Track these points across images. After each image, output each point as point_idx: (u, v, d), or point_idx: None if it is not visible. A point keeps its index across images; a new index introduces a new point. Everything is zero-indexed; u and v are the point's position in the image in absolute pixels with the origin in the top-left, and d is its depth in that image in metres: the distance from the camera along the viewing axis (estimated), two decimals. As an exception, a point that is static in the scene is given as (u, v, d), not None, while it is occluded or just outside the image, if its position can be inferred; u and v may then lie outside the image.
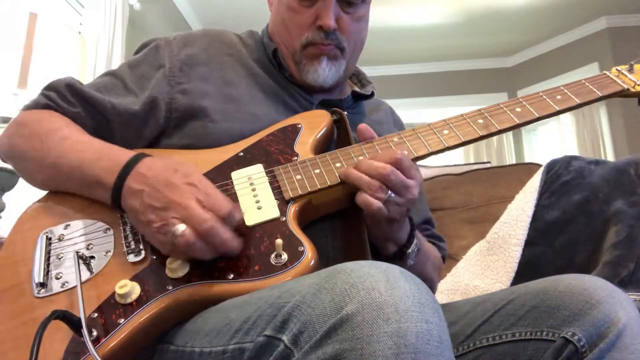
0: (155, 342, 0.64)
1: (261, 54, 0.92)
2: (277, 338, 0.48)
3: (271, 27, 0.94)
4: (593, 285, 0.61)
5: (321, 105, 0.89)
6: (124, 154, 0.71)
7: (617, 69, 0.86)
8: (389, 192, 0.69)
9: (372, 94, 0.96)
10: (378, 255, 0.79)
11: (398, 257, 0.78)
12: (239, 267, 0.64)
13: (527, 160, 4.96)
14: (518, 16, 4.37)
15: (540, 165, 1.42)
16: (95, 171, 0.70)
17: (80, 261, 0.66)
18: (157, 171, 0.66)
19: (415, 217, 0.91)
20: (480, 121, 0.79)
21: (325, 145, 0.83)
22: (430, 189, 1.75)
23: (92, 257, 0.68)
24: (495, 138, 5.15)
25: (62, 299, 0.65)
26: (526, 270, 1.21)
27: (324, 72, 0.86)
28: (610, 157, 4.25)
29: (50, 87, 0.83)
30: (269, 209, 0.70)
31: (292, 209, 0.71)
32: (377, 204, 0.68)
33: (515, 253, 1.23)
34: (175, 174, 0.65)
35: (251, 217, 0.69)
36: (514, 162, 5.08)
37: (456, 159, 4.98)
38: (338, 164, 0.75)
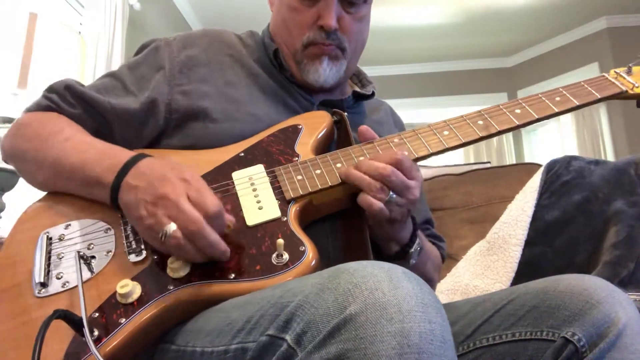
0: (156, 342, 0.64)
1: (262, 54, 0.92)
2: (280, 338, 0.48)
3: (272, 27, 0.94)
4: (593, 285, 0.61)
5: (322, 105, 0.89)
6: (125, 154, 0.72)
7: (615, 71, 0.87)
8: (390, 192, 0.69)
9: (373, 94, 0.97)
10: (380, 254, 0.79)
11: (400, 257, 0.78)
12: (240, 267, 0.64)
13: (527, 160, 4.96)
14: (518, 16, 4.37)
15: (540, 165, 1.43)
16: (96, 171, 0.71)
17: (82, 261, 0.66)
18: (156, 169, 0.67)
19: (416, 217, 0.91)
20: (480, 122, 0.80)
21: (325, 145, 0.83)
22: (430, 189, 1.75)
23: (93, 257, 0.68)
24: (495, 138, 5.15)
25: (63, 298, 0.65)
26: (526, 270, 1.21)
27: (325, 72, 0.86)
28: (610, 157, 4.25)
29: (51, 90, 0.84)
30: (270, 209, 0.70)
31: (293, 209, 0.71)
32: (378, 204, 0.68)
33: (515, 253, 1.23)
34: (171, 170, 0.66)
35: (252, 217, 0.69)
36: (514, 162, 5.08)
37: (456, 159, 4.98)
38: (339, 165, 0.75)
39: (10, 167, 0.87)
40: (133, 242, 0.69)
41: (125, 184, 0.67)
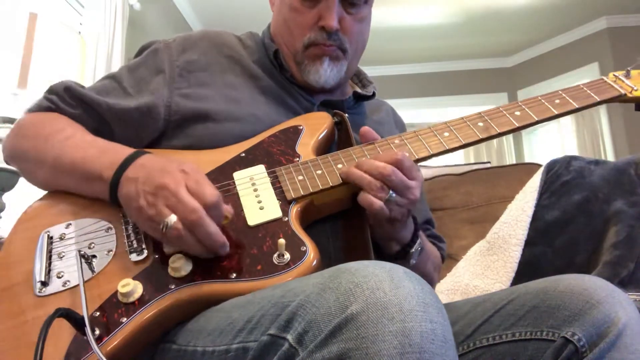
0: (157, 342, 0.64)
1: (262, 54, 0.92)
2: (281, 337, 0.48)
3: (273, 27, 0.94)
4: (593, 285, 0.61)
5: (322, 106, 0.89)
6: (125, 151, 0.73)
7: (614, 75, 0.88)
8: (390, 192, 0.69)
9: (374, 94, 0.97)
10: (381, 253, 0.80)
11: (401, 257, 0.79)
12: (241, 267, 0.64)
13: (527, 160, 4.96)
14: (518, 16, 4.38)
15: (540, 165, 1.43)
16: (96, 166, 0.72)
17: (82, 260, 0.66)
18: (155, 161, 0.68)
19: (416, 217, 0.91)
20: (481, 124, 0.80)
21: (326, 146, 0.83)
22: (431, 189, 1.75)
23: (94, 256, 0.68)
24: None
25: (63, 297, 0.65)
26: (526, 270, 1.21)
27: (326, 73, 0.86)
28: (610, 157, 4.25)
29: (51, 91, 0.85)
30: (271, 209, 0.70)
31: (294, 209, 0.71)
32: (379, 203, 0.69)
33: (515, 253, 1.24)
34: (171, 163, 0.67)
35: (253, 217, 0.70)
36: (514, 162, 5.08)
37: (456, 159, 4.98)
38: (340, 165, 0.75)
39: (10, 167, 0.88)
40: (134, 242, 0.69)
41: (125, 178, 0.68)
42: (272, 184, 0.74)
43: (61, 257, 0.69)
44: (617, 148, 4.29)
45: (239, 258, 0.65)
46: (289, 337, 0.47)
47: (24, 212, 0.77)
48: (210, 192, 0.63)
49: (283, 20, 0.89)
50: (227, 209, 0.67)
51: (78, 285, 0.63)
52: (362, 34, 0.90)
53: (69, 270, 0.67)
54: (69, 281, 0.66)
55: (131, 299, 0.62)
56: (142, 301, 0.62)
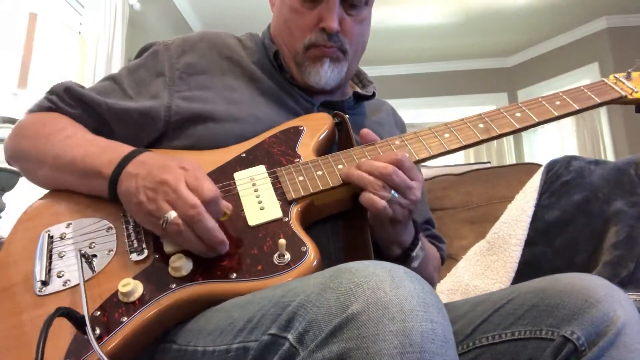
0: (157, 341, 0.64)
1: (262, 55, 0.92)
2: (282, 337, 0.48)
3: (273, 28, 0.94)
4: (592, 284, 0.61)
5: (322, 106, 0.89)
6: (125, 148, 0.73)
7: (614, 76, 0.88)
8: (392, 191, 0.69)
9: (374, 94, 0.97)
10: (382, 257, 0.80)
11: (402, 260, 0.79)
12: (241, 267, 0.64)
13: (527, 160, 4.96)
14: (518, 16, 4.38)
15: (540, 165, 1.43)
16: (96, 163, 0.72)
17: (83, 259, 0.66)
18: (156, 158, 0.69)
19: (417, 217, 0.91)
20: (481, 125, 0.80)
21: (327, 147, 0.83)
22: (430, 189, 1.75)
23: (95, 256, 0.68)
24: (495, 138, 5.16)
25: (64, 297, 0.65)
26: (526, 270, 1.21)
27: (326, 74, 0.86)
28: (611, 157, 4.25)
29: (52, 91, 0.86)
30: (272, 210, 0.70)
31: (295, 210, 0.71)
32: (382, 202, 0.69)
33: (515, 253, 1.24)
34: (171, 160, 0.68)
35: (254, 218, 0.70)
36: (514, 162, 5.08)
37: (456, 159, 4.98)
38: (340, 166, 0.75)
39: (10, 167, 0.88)
40: (135, 241, 0.69)
41: (125, 173, 0.69)
42: (273, 184, 0.74)
43: (61, 257, 0.69)
44: (617, 148, 4.29)
45: (239, 258, 0.65)
46: (290, 336, 0.48)
47: (25, 212, 0.77)
48: (209, 187, 0.64)
49: (283, 21, 0.89)
50: (226, 205, 0.67)
51: (78, 284, 0.63)
52: (363, 35, 0.90)
53: (69, 269, 0.67)
54: (69, 280, 0.66)
55: (131, 299, 0.62)
56: (142, 301, 0.62)
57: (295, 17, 0.86)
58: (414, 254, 0.78)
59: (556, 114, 0.81)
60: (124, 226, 0.71)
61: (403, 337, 0.43)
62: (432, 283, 0.93)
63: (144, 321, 0.61)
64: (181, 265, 0.63)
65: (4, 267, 0.70)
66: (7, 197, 1.61)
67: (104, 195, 0.72)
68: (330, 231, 0.77)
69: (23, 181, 0.86)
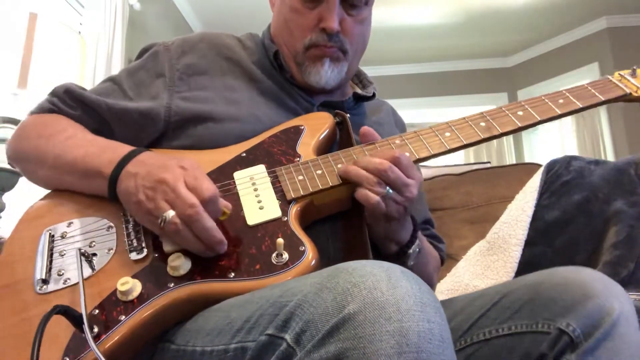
0: (156, 341, 0.64)
1: (262, 55, 0.92)
2: (279, 337, 0.48)
3: (273, 28, 0.94)
4: (588, 277, 0.61)
5: (322, 107, 0.89)
6: (125, 148, 0.74)
7: (619, 74, 0.87)
8: (387, 188, 0.69)
9: (374, 95, 0.97)
10: (379, 254, 0.80)
11: (399, 257, 0.79)
12: (240, 266, 0.64)
13: (527, 160, 4.96)
14: (518, 16, 4.38)
15: (540, 165, 1.43)
16: (96, 163, 0.73)
17: (83, 258, 0.67)
18: (155, 158, 0.70)
19: (415, 217, 0.91)
20: (483, 124, 0.80)
21: (327, 146, 0.83)
22: (430, 189, 1.75)
23: (94, 255, 0.69)
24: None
25: (64, 295, 0.65)
26: (526, 270, 1.21)
27: (326, 74, 0.86)
28: (611, 157, 4.25)
29: (53, 93, 0.87)
30: (271, 209, 0.70)
31: (294, 209, 0.71)
32: (375, 198, 0.69)
33: (515, 253, 1.24)
34: (171, 159, 0.68)
35: (253, 217, 0.70)
36: (514, 162, 5.08)
37: (456, 159, 4.98)
38: (340, 165, 0.75)
39: (10, 167, 0.89)
40: (134, 240, 0.69)
41: (124, 173, 0.69)
42: (272, 183, 0.74)
43: (62, 255, 0.69)
44: (617, 148, 4.29)
45: (237, 257, 0.65)
46: (287, 337, 0.48)
47: (26, 211, 0.78)
48: (208, 187, 0.64)
49: (283, 21, 0.89)
50: (225, 205, 0.67)
51: (78, 283, 0.63)
52: (363, 35, 0.90)
53: (69, 268, 0.68)
54: (69, 279, 0.67)
55: (130, 297, 0.62)
56: (141, 299, 0.62)
57: (295, 17, 0.86)
58: (410, 251, 0.78)
59: (559, 112, 0.80)
60: (124, 225, 0.71)
61: (400, 337, 0.43)
62: (432, 283, 0.93)
63: (142, 320, 0.61)
64: (180, 264, 0.63)
65: (6, 266, 0.70)
66: (7, 197, 1.62)
67: (104, 195, 0.73)
68: (329, 231, 0.77)
69: (23, 181, 0.86)
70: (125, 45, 2.83)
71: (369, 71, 1.05)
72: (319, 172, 0.75)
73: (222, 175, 0.76)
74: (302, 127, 0.82)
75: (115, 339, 0.59)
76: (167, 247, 0.66)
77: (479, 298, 0.70)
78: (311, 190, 0.73)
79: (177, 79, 0.85)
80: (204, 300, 0.63)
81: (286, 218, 0.70)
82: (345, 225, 0.78)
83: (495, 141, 5.23)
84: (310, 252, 0.64)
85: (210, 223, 0.63)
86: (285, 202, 0.71)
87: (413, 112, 5.01)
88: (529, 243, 1.24)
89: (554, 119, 0.81)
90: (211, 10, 4.23)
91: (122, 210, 0.72)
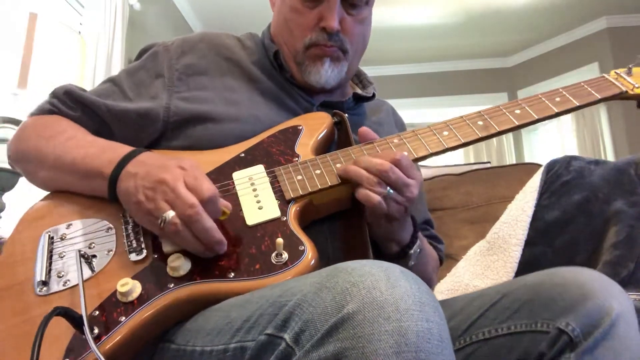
0: (156, 341, 0.64)
1: (261, 55, 0.92)
2: (278, 337, 0.48)
3: (273, 27, 0.94)
4: (587, 277, 0.61)
5: (322, 107, 0.89)
6: (125, 149, 0.74)
7: (615, 72, 0.88)
8: (388, 188, 0.69)
9: (374, 95, 0.97)
10: (380, 254, 0.80)
11: (400, 257, 0.79)
12: (239, 266, 0.64)
13: (527, 160, 4.96)
14: (518, 16, 4.37)
15: (540, 165, 1.42)
16: (96, 163, 0.73)
17: (82, 259, 0.67)
18: (155, 158, 0.70)
19: (415, 217, 0.91)
20: (480, 123, 0.80)
21: (325, 146, 0.83)
22: (430, 189, 1.75)
23: (94, 256, 0.69)
24: (495, 138, 5.15)
25: (64, 297, 0.65)
26: (526, 270, 1.21)
27: (327, 74, 0.86)
28: (611, 157, 4.25)
29: (53, 95, 0.87)
30: (270, 209, 0.70)
31: (293, 209, 0.71)
32: (376, 198, 0.69)
33: (515, 253, 1.24)
34: (170, 159, 0.68)
35: (252, 217, 0.70)
36: (514, 162, 5.08)
37: (456, 159, 4.98)
38: (338, 165, 0.75)
39: (10, 167, 0.89)
40: (133, 241, 0.69)
41: (124, 173, 0.69)
42: (271, 183, 0.74)
43: (62, 257, 0.69)
44: (617, 148, 4.28)
45: (237, 257, 0.65)
46: (286, 336, 0.48)
47: (26, 213, 0.78)
48: (207, 187, 0.64)
49: (284, 20, 0.89)
50: (225, 205, 0.67)
51: (78, 284, 0.63)
52: (363, 34, 0.90)
53: (69, 270, 0.68)
54: (69, 280, 0.67)
55: (130, 298, 0.62)
56: (141, 300, 0.62)
57: (295, 16, 0.86)
58: (411, 251, 0.79)
59: (556, 110, 0.81)
60: (123, 227, 0.71)
61: (399, 336, 0.43)
62: (431, 283, 0.93)
63: (142, 321, 0.61)
64: (179, 264, 0.64)
65: (5, 268, 0.70)
66: (7, 197, 1.62)
67: (104, 196, 0.73)
68: (329, 231, 0.77)
69: (23, 181, 0.87)
70: (125, 45, 2.83)
71: (369, 71, 1.05)
72: (318, 172, 0.75)
73: (221, 176, 0.76)
74: (301, 127, 0.82)
75: (116, 339, 0.59)
76: (166, 248, 0.66)
77: (478, 298, 0.70)
78: (310, 190, 0.73)
79: (177, 79, 0.85)
80: (204, 300, 0.63)
81: (285, 218, 0.70)
82: (344, 225, 0.78)
83: (495, 141, 5.24)
84: (309, 252, 0.64)
85: (210, 223, 0.63)
86: (284, 202, 0.72)
87: (413, 112, 5.01)
88: (529, 243, 1.24)
89: (551, 117, 0.82)
90: (211, 10, 4.23)
91: (122, 211, 0.72)
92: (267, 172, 0.76)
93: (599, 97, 0.83)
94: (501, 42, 4.89)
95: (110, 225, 0.72)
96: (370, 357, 0.42)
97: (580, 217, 1.22)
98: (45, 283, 0.66)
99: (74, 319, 0.57)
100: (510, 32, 4.68)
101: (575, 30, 4.62)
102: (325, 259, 0.71)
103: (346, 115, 0.85)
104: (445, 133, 0.79)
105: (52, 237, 0.72)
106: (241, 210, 0.71)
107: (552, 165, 1.33)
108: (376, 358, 0.42)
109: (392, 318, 0.44)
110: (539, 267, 1.22)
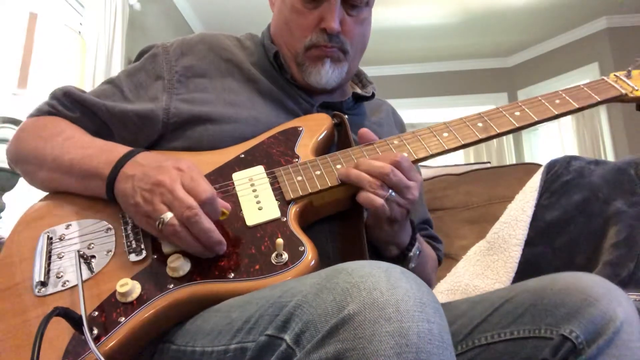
0: (156, 342, 0.64)
1: (261, 56, 0.92)
2: (279, 337, 0.48)
3: (273, 28, 0.94)
4: (591, 282, 0.61)
5: (321, 107, 0.89)
6: (123, 149, 0.74)
7: (615, 75, 0.88)
8: (390, 191, 0.69)
9: (373, 95, 0.97)
10: (380, 258, 0.80)
11: (400, 260, 0.79)
12: (239, 267, 0.64)
13: (527, 160, 4.96)
14: (518, 16, 4.37)
15: (540, 165, 1.42)
16: (94, 163, 0.73)
17: (82, 260, 0.66)
18: (152, 159, 0.70)
19: (414, 217, 0.91)
20: (480, 124, 0.80)
21: (325, 148, 0.83)
22: (430, 189, 1.74)
23: (93, 257, 0.69)
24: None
25: (63, 297, 0.65)
26: (526, 270, 1.21)
27: (327, 74, 0.86)
28: (611, 157, 4.25)
29: (52, 96, 0.87)
30: (270, 210, 0.70)
31: (293, 210, 0.71)
32: (380, 201, 0.69)
33: (515, 253, 1.23)
34: (167, 160, 0.68)
35: (252, 218, 0.70)
36: (514, 162, 5.08)
37: (456, 159, 4.98)
38: (339, 166, 0.75)
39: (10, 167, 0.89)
40: (133, 242, 0.69)
41: (122, 174, 0.69)
42: (271, 184, 0.74)
43: (61, 258, 0.69)
44: (617, 148, 4.29)
45: (237, 258, 0.65)
46: (287, 337, 0.48)
47: (25, 213, 0.78)
48: (205, 188, 0.64)
49: (284, 21, 0.89)
50: (224, 205, 0.67)
51: (77, 285, 0.63)
52: (363, 35, 0.90)
53: (68, 270, 0.68)
54: (68, 281, 0.67)
55: (129, 299, 0.62)
56: (140, 301, 0.62)
57: (295, 17, 0.86)
58: (411, 253, 0.79)
59: (556, 112, 0.81)
60: (123, 227, 0.71)
61: (399, 337, 0.43)
62: (430, 283, 0.93)
63: (142, 321, 0.61)
64: (179, 265, 0.63)
65: (4, 268, 0.70)
66: (7, 197, 1.62)
67: (102, 197, 0.72)
68: (328, 231, 0.77)
69: (23, 181, 0.86)
70: (125, 46, 2.83)
71: (369, 71, 1.05)
72: (318, 172, 0.75)
73: (221, 177, 0.76)
74: (301, 129, 0.82)
75: (115, 340, 0.59)
76: (166, 248, 0.66)
77: (481, 302, 0.70)
78: (310, 190, 0.73)
79: (176, 81, 0.85)
80: (204, 300, 0.63)
81: (285, 218, 0.69)
82: (343, 226, 0.78)
83: (495, 141, 5.24)
84: (309, 252, 0.64)
85: (208, 224, 0.63)
86: (284, 203, 0.71)
87: (413, 112, 5.01)
88: (529, 243, 1.24)
89: (551, 119, 0.82)
90: (211, 10, 4.22)
91: (121, 212, 0.72)
92: (267, 173, 0.76)
93: (599, 99, 0.83)
94: (501, 42, 4.89)
95: (110, 226, 0.72)
96: (371, 358, 0.42)
97: (580, 217, 1.22)
98: (44, 283, 0.66)
99: (74, 320, 0.57)
100: (510, 32, 4.68)
101: (575, 30, 4.62)
102: (326, 259, 0.71)
103: (346, 116, 0.84)
104: (445, 134, 0.79)
105: (51, 238, 0.72)
106: (241, 210, 0.71)
107: (552, 165, 1.33)
108: (377, 359, 0.42)
109: (393, 319, 0.44)
110: (539, 267, 1.23)
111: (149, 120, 0.82)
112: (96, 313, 0.62)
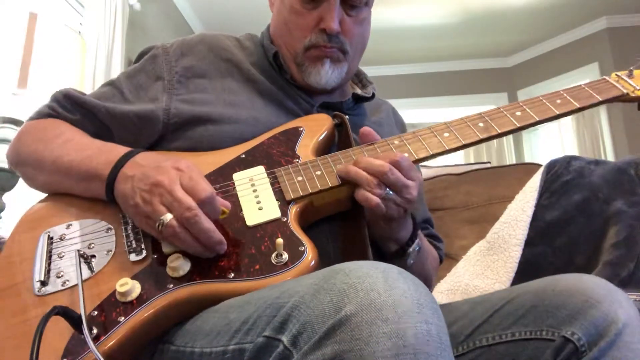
0: (155, 342, 0.64)
1: (261, 56, 0.92)
2: (276, 339, 0.48)
3: (272, 28, 0.94)
4: (592, 284, 0.61)
5: (321, 107, 0.89)
6: (122, 149, 0.74)
7: (616, 74, 0.88)
8: (387, 189, 0.69)
9: (373, 95, 0.97)
10: (380, 253, 0.80)
11: (399, 256, 0.79)
12: (239, 267, 0.64)
13: (527, 160, 4.96)
14: (518, 16, 4.37)
15: (540, 165, 1.43)
16: (93, 164, 0.73)
17: (82, 260, 0.67)
18: (151, 159, 0.70)
19: (415, 216, 0.91)
20: (481, 124, 0.80)
21: (326, 148, 0.83)
22: (431, 189, 1.74)
23: (94, 256, 0.69)
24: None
25: (63, 297, 0.65)
26: (526, 270, 1.21)
27: (327, 75, 0.86)
28: (611, 157, 4.25)
29: (52, 99, 0.87)
30: (270, 210, 0.70)
31: (293, 210, 0.71)
32: (375, 199, 0.69)
33: (515, 253, 1.24)
34: (166, 160, 0.68)
35: (252, 218, 0.70)
36: (514, 162, 5.08)
37: (456, 159, 4.98)
38: (339, 166, 0.75)
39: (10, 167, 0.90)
40: (133, 242, 0.69)
41: (121, 175, 0.69)
42: (272, 184, 0.74)
43: (61, 257, 0.69)
44: (617, 148, 4.28)
45: (237, 258, 0.65)
46: (284, 338, 0.48)
47: (26, 213, 0.78)
48: (204, 188, 0.64)
49: (283, 21, 0.89)
50: (224, 203, 0.67)
51: (77, 284, 0.63)
52: (363, 35, 0.90)
53: (68, 270, 0.68)
54: (68, 281, 0.67)
55: (129, 298, 0.62)
56: (140, 300, 0.62)
57: (295, 17, 0.86)
58: (410, 250, 0.78)
59: (557, 112, 0.81)
60: (123, 227, 0.72)
61: (397, 338, 0.43)
62: (430, 281, 0.93)
63: (141, 321, 0.61)
64: (179, 265, 0.63)
65: (5, 268, 0.70)
66: (7, 197, 1.62)
67: (102, 197, 0.72)
68: (329, 231, 0.77)
69: (23, 181, 0.87)
70: (125, 46, 2.83)
71: (369, 71, 1.05)
72: (318, 173, 0.75)
73: (221, 177, 0.76)
74: (301, 129, 0.82)
75: (115, 340, 0.59)
76: (166, 248, 0.66)
77: (481, 303, 0.70)
78: (310, 191, 0.73)
79: (176, 82, 0.85)
80: (204, 300, 0.63)
81: (285, 218, 0.69)
82: (344, 226, 0.78)
83: (495, 141, 5.24)
84: (310, 252, 0.64)
85: (208, 224, 0.63)
86: (284, 203, 0.71)
87: (413, 112, 5.01)
88: (529, 243, 1.24)
89: (552, 119, 0.82)
90: (211, 10, 4.22)
91: (121, 212, 0.72)
92: (267, 173, 0.76)
93: (600, 99, 0.83)
94: (501, 42, 4.89)
95: (110, 226, 0.72)
96: (368, 359, 0.42)
97: (580, 217, 1.22)
98: (44, 283, 0.67)
99: (73, 319, 0.57)
100: (510, 32, 4.68)
101: (575, 30, 4.62)
102: (327, 260, 0.71)
103: (347, 117, 0.84)
104: (446, 134, 0.79)
105: (52, 238, 0.72)
106: (241, 210, 0.71)
107: (552, 165, 1.33)
108: None
109: (390, 320, 0.44)
110: (539, 267, 1.23)
111: (149, 121, 0.82)
112: (96, 312, 0.62)
